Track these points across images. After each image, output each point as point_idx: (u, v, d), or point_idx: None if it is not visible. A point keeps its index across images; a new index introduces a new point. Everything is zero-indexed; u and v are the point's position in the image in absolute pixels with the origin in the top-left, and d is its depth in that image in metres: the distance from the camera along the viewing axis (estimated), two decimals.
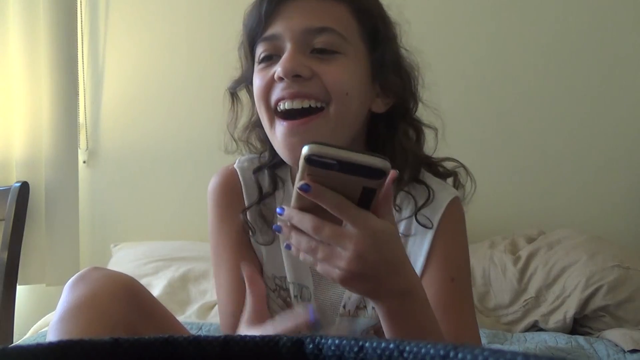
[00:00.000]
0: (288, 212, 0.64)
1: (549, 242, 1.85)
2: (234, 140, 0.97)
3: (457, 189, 0.95)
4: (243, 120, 0.96)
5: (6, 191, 2.01)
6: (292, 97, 0.80)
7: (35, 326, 1.71)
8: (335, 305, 0.95)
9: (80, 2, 2.24)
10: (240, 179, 0.96)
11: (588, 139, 2.16)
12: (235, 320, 0.88)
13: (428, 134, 0.95)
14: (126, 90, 2.30)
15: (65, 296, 0.78)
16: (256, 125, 0.94)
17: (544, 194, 2.17)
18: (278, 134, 0.83)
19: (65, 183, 2.14)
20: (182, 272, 1.92)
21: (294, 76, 0.79)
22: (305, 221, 0.63)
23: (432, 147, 0.96)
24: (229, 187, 0.96)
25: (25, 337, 1.64)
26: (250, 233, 0.94)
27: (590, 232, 1.92)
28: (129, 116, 2.30)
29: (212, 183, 0.98)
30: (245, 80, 0.92)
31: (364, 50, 0.85)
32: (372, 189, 0.61)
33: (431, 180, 0.93)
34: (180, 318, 1.69)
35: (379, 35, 0.86)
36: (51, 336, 0.74)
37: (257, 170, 0.95)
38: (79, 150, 2.24)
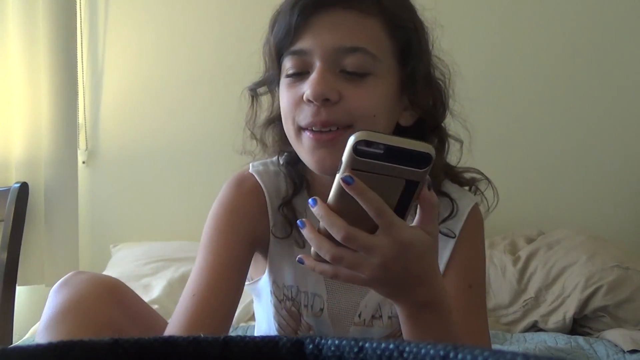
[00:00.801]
0: (319, 210, 0.62)
1: (549, 243, 1.85)
2: (255, 137, 0.95)
3: (478, 194, 0.94)
4: (261, 118, 0.95)
5: (5, 192, 2.01)
6: (322, 125, 0.78)
7: (34, 327, 1.71)
8: (350, 314, 0.94)
9: (80, 2, 2.24)
10: (261, 183, 0.92)
11: (588, 139, 2.16)
12: (195, 301, 0.82)
13: (452, 143, 0.93)
14: (126, 91, 2.30)
15: (50, 302, 0.77)
16: (271, 121, 0.93)
17: (544, 194, 2.17)
18: (305, 144, 0.81)
19: (65, 183, 2.13)
20: (182, 273, 1.92)
21: (322, 100, 0.78)
22: (336, 226, 0.61)
23: (457, 157, 0.94)
24: (249, 191, 0.92)
25: (24, 338, 1.64)
26: (287, 232, 0.91)
27: (590, 232, 1.92)
28: (128, 116, 2.30)
29: (231, 181, 0.94)
30: (267, 83, 0.90)
31: (395, 66, 0.82)
32: (415, 183, 0.61)
33: (451, 188, 0.92)
34: None
35: (411, 50, 0.82)
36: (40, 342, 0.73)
37: (289, 164, 0.92)
38: (79, 151, 2.24)
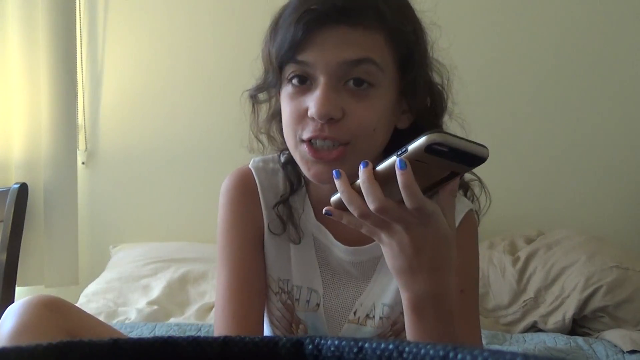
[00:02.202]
0: (363, 174, 0.64)
1: (548, 243, 1.85)
2: (259, 140, 0.97)
3: (471, 201, 0.95)
4: (262, 116, 0.96)
5: (5, 192, 2.01)
6: (324, 138, 0.79)
7: None
8: (345, 311, 0.95)
9: (79, 3, 2.24)
10: (256, 179, 0.95)
11: (587, 139, 2.16)
12: (236, 322, 0.89)
13: None
14: (125, 92, 2.30)
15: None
16: (274, 116, 0.94)
17: (543, 194, 2.17)
18: (304, 157, 0.82)
19: (64, 184, 2.13)
20: (181, 274, 1.92)
21: (327, 119, 0.78)
22: (373, 196, 0.63)
23: None
24: (245, 187, 0.95)
25: None
26: (282, 229, 0.93)
27: (589, 232, 1.92)
28: (127, 117, 2.30)
29: (226, 182, 0.97)
30: (267, 88, 0.91)
31: (397, 75, 0.83)
32: (457, 174, 0.65)
33: None
34: (179, 319, 1.69)
35: (413, 60, 0.83)
36: None
37: (286, 165, 0.95)
38: (78, 152, 2.24)
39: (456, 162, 0.61)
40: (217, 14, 2.27)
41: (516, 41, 2.18)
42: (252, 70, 0.89)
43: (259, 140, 0.97)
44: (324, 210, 0.70)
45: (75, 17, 2.19)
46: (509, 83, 2.18)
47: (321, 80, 0.78)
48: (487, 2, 2.21)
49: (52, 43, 2.09)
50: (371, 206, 0.63)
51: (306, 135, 0.80)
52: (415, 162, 0.61)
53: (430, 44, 0.88)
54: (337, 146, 0.79)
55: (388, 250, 0.68)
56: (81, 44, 2.25)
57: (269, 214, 0.94)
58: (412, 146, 0.61)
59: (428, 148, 0.60)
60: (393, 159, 0.63)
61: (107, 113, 2.30)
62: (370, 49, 0.79)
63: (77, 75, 2.20)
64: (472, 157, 0.61)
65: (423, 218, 0.64)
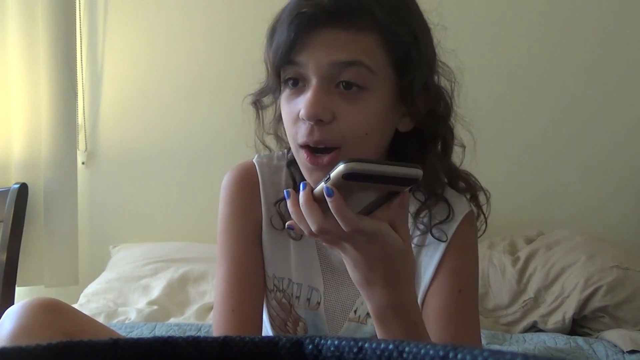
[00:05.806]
0: (302, 197, 0.66)
1: (548, 243, 1.85)
2: (264, 145, 0.98)
3: (476, 206, 0.94)
4: (268, 118, 0.96)
5: (5, 192, 2.01)
6: (314, 144, 0.80)
7: None
8: (346, 309, 0.95)
9: (79, 3, 2.24)
10: (258, 174, 0.95)
11: (587, 139, 2.16)
12: (235, 317, 0.89)
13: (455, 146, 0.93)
14: (125, 92, 2.30)
15: None
16: (280, 118, 0.93)
17: (543, 194, 2.17)
18: (303, 163, 0.83)
19: (64, 184, 2.13)
20: (181, 274, 1.92)
21: (316, 120, 0.79)
22: (312, 219, 0.65)
23: (459, 159, 0.94)
24: (246, 182, 0.95)
25: None
26: (283, 225, 0.92)
27: (589, 232, 1.92)
28: (127, 117, 2.30)
29: (227, 177, 0.97)
30: (269, 92, 0.91)
31: (392, 77, 0.81)
32: (397, 193, 0.65)
33: (448, 192, 0.92)
34: (179, 319, 1.69)
35: (410, 61, 0.81)
36: None
37: (290, 164, 0.95)
38: (78, 152, 2.24)
39: (386, 184, 0.62)
40: (217, 15, 2.27)
41: (518, 41, 2.18)
42: (254, 71, 0.89)
43: (265, 145, 0.97)
44: (286, 225, 0.71)
45: (75, 17, 2.19)
46: (509, 83, 2.18)
47: (313, 81, 0.79)
48: (490, 3, 2.21)
49: (52, 43, 2.09)
50: (312, 228, 0.65)
51: (301, 139, 0.81)
52: (344, 187, 0.62)
53: (436, 45, 0.87)
54: (330, 151, 0.79)
55: (345, 264, 0.70)
56: (81, 44, 2.24)
57: (268, 209, 0.94)
58: (332, 174, 0.62)
59: (346, 176, 0.61)
60: (322, 185, 0.64)
61: (107, 113, 2.30)
62: (360, 51, 0.78)
63: (77, 75, 2.20)
64: (401, 179, 0.62)
65: (367, 237, 0.65)
